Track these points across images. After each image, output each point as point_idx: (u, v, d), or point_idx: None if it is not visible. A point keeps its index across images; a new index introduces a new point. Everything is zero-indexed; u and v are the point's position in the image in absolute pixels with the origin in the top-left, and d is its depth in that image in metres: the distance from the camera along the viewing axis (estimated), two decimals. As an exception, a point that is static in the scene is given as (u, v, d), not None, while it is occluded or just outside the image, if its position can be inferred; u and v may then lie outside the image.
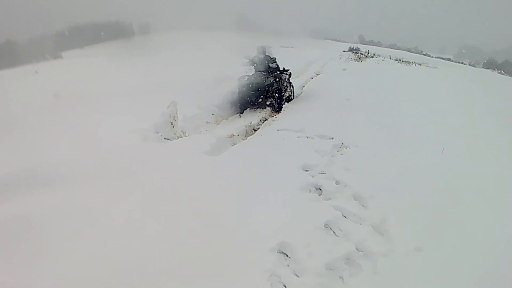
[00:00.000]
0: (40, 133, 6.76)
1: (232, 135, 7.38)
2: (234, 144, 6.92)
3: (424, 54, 39.15)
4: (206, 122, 8.29)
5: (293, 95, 10.70)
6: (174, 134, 7.07)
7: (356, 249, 3.70)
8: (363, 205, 4.45)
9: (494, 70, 28.19)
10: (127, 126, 6.86)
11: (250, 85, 9.32)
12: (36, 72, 14.72)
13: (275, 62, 9.90)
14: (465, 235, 3.90)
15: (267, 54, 9.93)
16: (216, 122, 8.50)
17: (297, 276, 3.35)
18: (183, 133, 7.30)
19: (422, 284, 3.26)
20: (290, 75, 10.51)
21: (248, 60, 9.80)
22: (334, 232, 3.97)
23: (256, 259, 3.49)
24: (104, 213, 4.06)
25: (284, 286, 3.25)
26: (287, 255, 3.60)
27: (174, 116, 7.21)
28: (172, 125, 7.09)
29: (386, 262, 3.52)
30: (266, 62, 9.73)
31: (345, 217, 4.23)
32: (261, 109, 9.39)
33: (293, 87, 10.73)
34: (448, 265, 3.47)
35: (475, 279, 3.30)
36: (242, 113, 9.25)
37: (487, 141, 6.79)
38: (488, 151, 6.29)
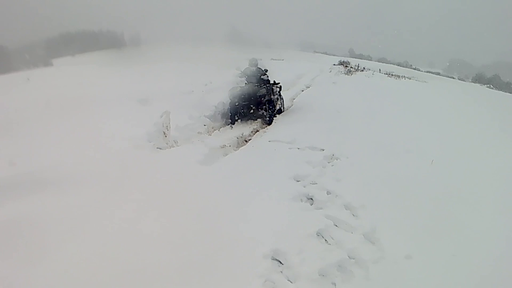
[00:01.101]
0: (35, 138, 6.78)
1: (224, 146, 7.45)
2: (226, 155, 6.96)
3: (413, 68, 39.60)
4: (198, 133, 8.34)
5: (283, 108, 10.74)
6: (167, 143, 7.10)
7: (348, 256, 3.78)
8: (354, 215, 4.55)
9: (483, 84, 28.61)
10: (119, 134, 6.91)
11: (242, 96, 9.37)
12: (28, 79, 14.68)
13: (266, 74, 9.98)
14: (453, 244, 4.01)
15: (258, 66, 10.00)
16: (208, 132, 8.55)
17: (291, 282, 3.42)
18: (175, 142, 7.34)
19: (412, 289, 3.35)
20: (280, 88, 10.56)
21: (240, 72, 9.87)
22: (326, 240, 4.06)
23: (250, 265, 3.55)
24: (101, 216, 4.13)
25: (278, 292, 3.31)
26: (280, 262, 3.66)
27: (167, 126, 7.26)
28: (164, 135, 7.14)
29: (377, 269, 3.61)
30: (258, 74, 9.80)
31: (336, 226, 4.32)
32: (252, 120, 9.48)
33: (283, 100, 10.78)
34: (436, 272, 3.57)
35: (464, 285, 3.40)
36: (234, 124, 9.31)
37: (476, 151, 6.97)
38: (476, 162, 6.45)
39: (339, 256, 3.77)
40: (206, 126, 8.81)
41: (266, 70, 10.02)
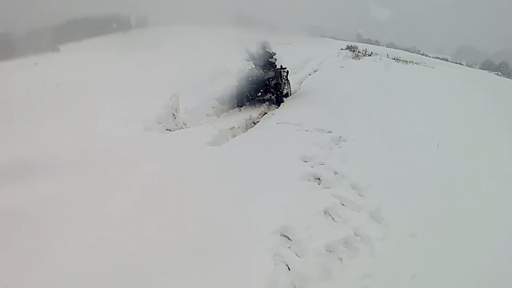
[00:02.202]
0: (42, 123, 6.84)
1: (232, 128, 7.52)
2: (235, 136, 7.07)
3: (421, 54, 39.19)
4: (207, 115, 8.44)
5: (290, 92, 10.66)
6: (176, 125, 7.22)
7: (354, 233, 3.90)
8: (360, 194, 4.65)
9: (491, 71, 28.35)
10: (129, 117, 7.02)
11: (250, 79, 9.34)
12: (36, 64, 14.72)
13: (274, 57, 9.94)
14: (457, 223, 4.11)
15: (267, 49, 9.95)
16: (217, 115, 8.63)
17: (299, 256, 3.55)
18: (184, 124, 7.45)
19: (415, 266, 3.45)
20: (287, 72, 10.49)
21: (248, 54, 9.77)
22: (333, 218, 4.17)
23: (259, 241, 3.69)
24: (106, 199, 4.26)
25: (287, 265, 3.44)
26: (288, 238, 3.79)
27: (176, 108, 7.37)
28: (174, 117, 7.25)
29: (382, 246, 3.72)
30: (266, 57, 9.75)
31: (343, 204, 4.43)
32: (260, 104, 9.49)
33: (290, 84, 10.71)
34: (440, 249, 3.68)
35: (466, 262, 3.51)
36: (242, 107, 9.32)
37: (481, 137, 6.98)
38: (481, 147, 6.48)
39: (345, 233, 3.89)
40: (214, 109, 8.89)
41: (274, 53, 9.97)
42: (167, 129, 6.97)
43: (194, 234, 3.73)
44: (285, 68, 10.28)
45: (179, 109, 7.43)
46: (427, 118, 8.07)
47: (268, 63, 9.79)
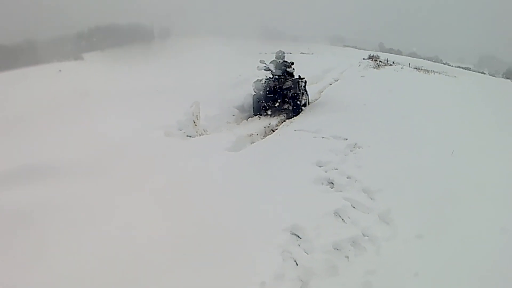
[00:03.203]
0: (64, 127, 7.11)
1: (251, 134, 7.75)
2: (253, 143, 7.30)
3: (443, 63, 38.84)
4: (227, 122, 8.71)
5: (308, 102, 10.72)
6: (196, 132, 7.49)
7: (362, 234, 4.06)
8: (371, 198, 4.80)
9: (514, 80, 27.95)
10: (151, 123, 7.30)
11: (267, 89, 9.42)
12: (60, 71, 15.16)
13: (292, 67, 10.06)
14: (464, 226, 4.22)
15: (285, 59, 10.06)
16: (236, 122, 8.89)
17: (307, 253, 3.73)
18: (204, 131, 7.72)
19: (420, 265, 3.59)
20: (305, 82, 10.59)
21: (265, 65, 9.78)
22: (342, 219, 4.34)
23: (270, 238, 3.90)
24: (119, 202, 4.46)
25: (295, 261, 3.63)
26: (298, 236, 3.99)
27: (197, 115, 7.65)
28: (194, 124, 7.52)
29: (389, 245, 3.87)
30: (283, 66, 9.84)
31: (353, 207, 4.58)
32: (278, 113, 9.61)
33: (308, 95, 10.76)
34: (446, 250, 3.80)
35: (468, 262, 3.63)
36: (259, 115, 9.45)
37: (497, 148, 6.96)
38: (497, 158, 6.46)
39: (353, 233, 4.05)
40: (234, 117, 9.16)
41: (292, 63, 10.08)
42: (187, 135, 7.23)
43: (208, 230, 3.97)
44: (303, 78, 10.39)
45: (199, 116, 7.70)
46: (443, 126, 8.11)
47: (286, 72, 9.88)
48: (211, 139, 7.14)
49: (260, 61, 9.87)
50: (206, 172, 5.41)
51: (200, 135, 7.45)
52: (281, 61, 10.01)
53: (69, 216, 4.06)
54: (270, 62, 9.93)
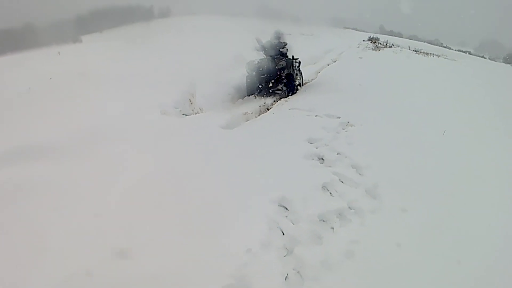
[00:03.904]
0: (61, 106, 7.13)
1: (246, 113, 7.83)
2: (248, 120, 7.41)
3: (444, 47, 38.62)
4: (223, 101, 8.78)
5: (302, 83, 10.63)
6: (192, 110, 7.59)
7: (348, 206, 4.19)
8: (359, 173, 4.91)
9: (515, 65, 27.86)
10: (148, 102, 7.36)
11: (260, 69, 9.25)
12: (59, 53, 15.15)
13: (286, 47, 9.89)
14: (448, 201, 4.37)
15: (280, 40, 9.90)
16: (232, 102, 8.97)
17: (293, 223, 3.88)
18: (200, 109, 7.81)
19: (402, 236, 3.74)
20: (299, 63, 10.44)
21: (260, 45, 9.69)
22: (330, 192, 4.47)
23: (258, 208, 4.05)
24: (112, 180, 4.51)
25: (281, 230, 3.78)
26: (285, 208, 4.13)
27: (193, 94, 7.75)
28: (190, 102, 7.62)
29: (373, 217, 4.01)
30: (277, 47, 9.72)
31: (342, 181, 4.71)
32: (272, 94, 9.48)
33: (302, 76, 10.69)
34: (427, 222, 3.95)
35: (452, 233, 3.79)
36: (254, 95, 9.41)
37: (488, 128, 7.04)
38: (488, 138, 6.58)
39: (340, 205, 4.19)
40: (230, 96, 9.22)
41: (286, 43, 9.95)
42: (183, 114, 7.32)
43: (199, 202, 4.11)
44: (297, 58, 10.27)
45: (195, 95, 7.80)
46: (438, 108, 8.14)
47: (280, 53, 9.76)
48: (206, 117, 7.22)
49: (256, 38, 9.80)
50: (199, 147, 5.51)
51: (196, 114, 7.53)
52: (276, 41, 9.88)
53: (60, 194, 4.15)
54: (265, 42, 9.82)
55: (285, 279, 3.23)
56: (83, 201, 4.01)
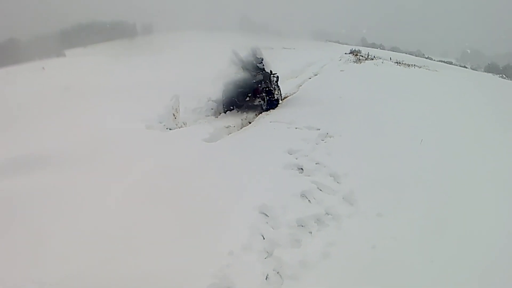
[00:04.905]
0: (48, 121, 7.31)
1: (228, 126, 8.03)
2: (230, 133, 7.60)
3: (426, 57, 39.38)
4: (206, 115, 8.99)
5: (281, 98, 10.62)
6: (176, 124, 7.77)
7: (326, 212, 4.43)
8: (337, 182, 5.17)
9: (496, 74, 28.47)
10: (132, 116, 7.55)
11: (237, 83, 9.33)
12: (43, 68, 15.23)
13: (262, 62, 9.81)
14: (424, 205, 4.61)
15: (257, 55, 9.83)
16: (215, 115, 9.15)
17: (273, 228, 4.10)
18: (184, 124, 8.00)
19: (377, 238, 3.95)
20: (277, 78, 10.44)
21: (237, 58, 9.68)
22: (309, 200, 4.71)
23: (240, 215, 4.28)
24: (103, 190, 4.73)
25: (262, 235, 4.00)
26: (266, 214, 4.34)
27: (176, 109, 7.93)
28: (174, 117, 7.80)
29: (350, 222, 4.25)
30: (254, 62, 9.70)
31: (320, 189, 4.95)
32: (251, 109, 9.52)
33: (280, 91, 10.66)
34: (402, 226, 4.18)
35: (427, 236, 4.02)
36: (234, 109, 9.44)
37: (465, 137, 7.22)
38: (464, 146, 6.75)
39: (317, 211, 4.43)
40: (213, 110, 9.41)
41: (262, 59, 9.85)
42: (167, 128, 7.49)
43: (184, 209, 4.35)
44: (275, 73, 10.28)
45: (179, 110, 7.98)
46: (417, 117, 8.35)
47: (257, 68, 9.71)
48: (189, 130, 7.41)
49: (233, 52, 9.80)
50: (183, 160, 5.69)
51: (179, 128, 7.71)
52: (252, 56, 9.86)
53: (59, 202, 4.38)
54: (240, 58, 9.82)
55: (266, 278, 3.45)
56: (80, 206, 4.26)
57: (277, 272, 3.52)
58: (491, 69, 40.14)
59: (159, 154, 5.86)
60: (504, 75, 26.89)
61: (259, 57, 9.88)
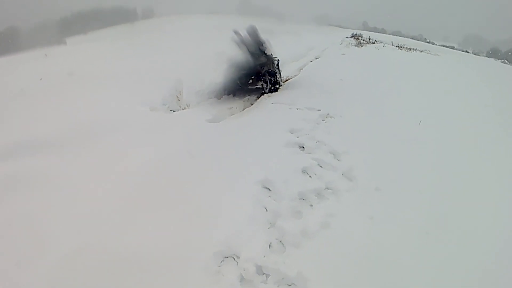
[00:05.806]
0: (52, 105, 7.39)
1: (231, 108, 8.18)
2: (232, 115, 7.75)
3: (427, 42, 39.14)
4: (208, 98, 9.10)
5: (281, 81, 10.42)
6: (180, 106, 7.91)
7: (326, 187, 4.61)
8: (337, 159, 5.33)
9: (498, 59, 28.41)
10: (136, 99, 7.67)
11: (239, 65, 9.23)
12: (46, 55, 15.28)
13: (264, 45, 9.48)
14: (417, 178, 4.79)
15: (257, 36, 9.43)
16: (217, 97, 9.26)
17: (275, 201, 4.29)
18: (187, 105, 8.13)
19: (375, 210, 4.15)
20: (278, 61, 10.16)
21: (239, 39, 9.28)
22: (309, 175, 4.88)
23: (244, 189, 4.47)
24: (106, 172, 4.85)
25: (265, 207, 4.18)
26: (268, 188, 4.54)
27: (180, 91, 8.07)
28: (177, 99, 7.94)
29: (349, 195, 4.44)
30: (256, 44, 9.40)
31: (320, 166, 5.12)
32: (249, 93, 9.43)
33: (281, 74, 10.42)
34: (399, 199, 4.37)
35: (422, 209, 4.21)
36: (228, 95, 9.27)
37: (466, 119, 7.36)
38: (464, 127, 6.96)
39: (318, 186, 4.61)
40: (215, 92, 9.52)
41: (264, 42, 9.52)
42: (171, 110, 7.64)
43: (188, 186, 4.53)
44: (276, 57, 10.04)
45: (182, 92, 8.11)
46: (417, 100, 8.52)
47: (259, 50, 9.47)
48: (193, 112, 7.54)
49: (234, 31, 9.42)
50: (187, 139, 5.86)
51: (183, 109, 7.85)
52: (254, 37, 9.47)
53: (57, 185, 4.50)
54: (244, 37, 9.44)
55: (269, 247, 3.65)
56: (79, 191, 4.37)
57: (280, 241, 3.73)
58: (493, 54, 40.01)
59: (162, 133, 6.03)
60: (506, 60, 26.81)
61: (260, 39, 9.59)
